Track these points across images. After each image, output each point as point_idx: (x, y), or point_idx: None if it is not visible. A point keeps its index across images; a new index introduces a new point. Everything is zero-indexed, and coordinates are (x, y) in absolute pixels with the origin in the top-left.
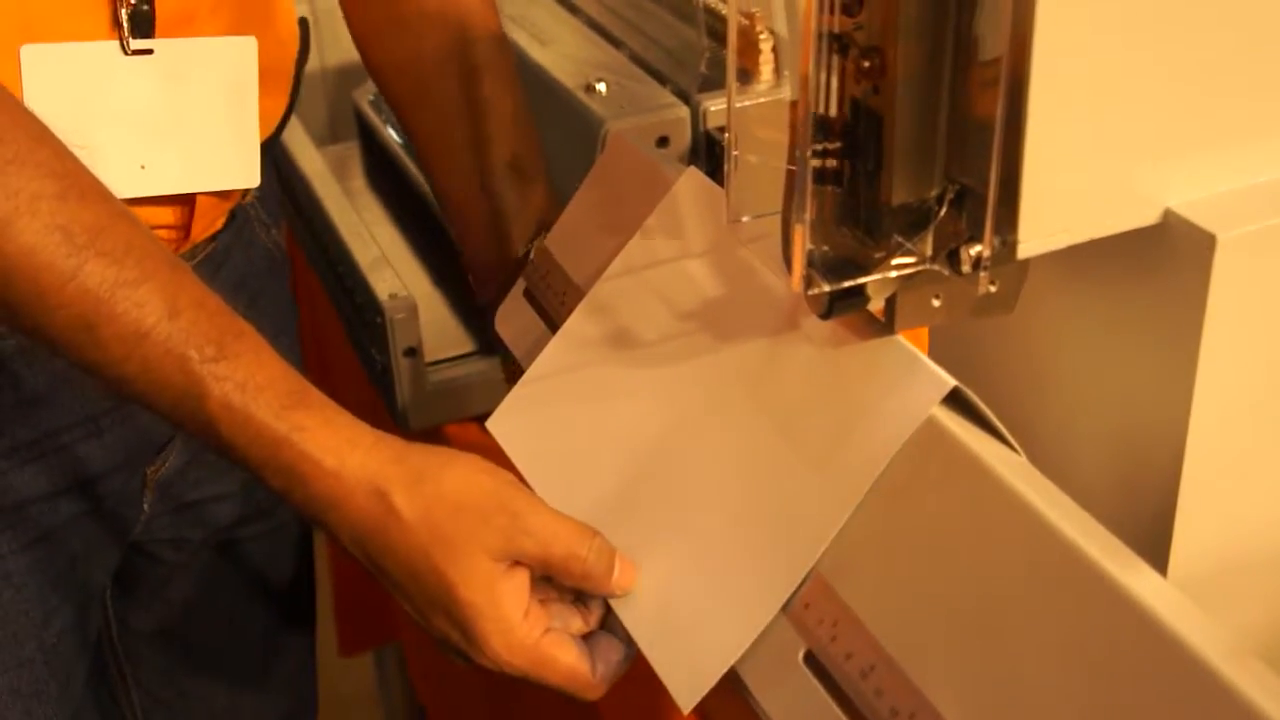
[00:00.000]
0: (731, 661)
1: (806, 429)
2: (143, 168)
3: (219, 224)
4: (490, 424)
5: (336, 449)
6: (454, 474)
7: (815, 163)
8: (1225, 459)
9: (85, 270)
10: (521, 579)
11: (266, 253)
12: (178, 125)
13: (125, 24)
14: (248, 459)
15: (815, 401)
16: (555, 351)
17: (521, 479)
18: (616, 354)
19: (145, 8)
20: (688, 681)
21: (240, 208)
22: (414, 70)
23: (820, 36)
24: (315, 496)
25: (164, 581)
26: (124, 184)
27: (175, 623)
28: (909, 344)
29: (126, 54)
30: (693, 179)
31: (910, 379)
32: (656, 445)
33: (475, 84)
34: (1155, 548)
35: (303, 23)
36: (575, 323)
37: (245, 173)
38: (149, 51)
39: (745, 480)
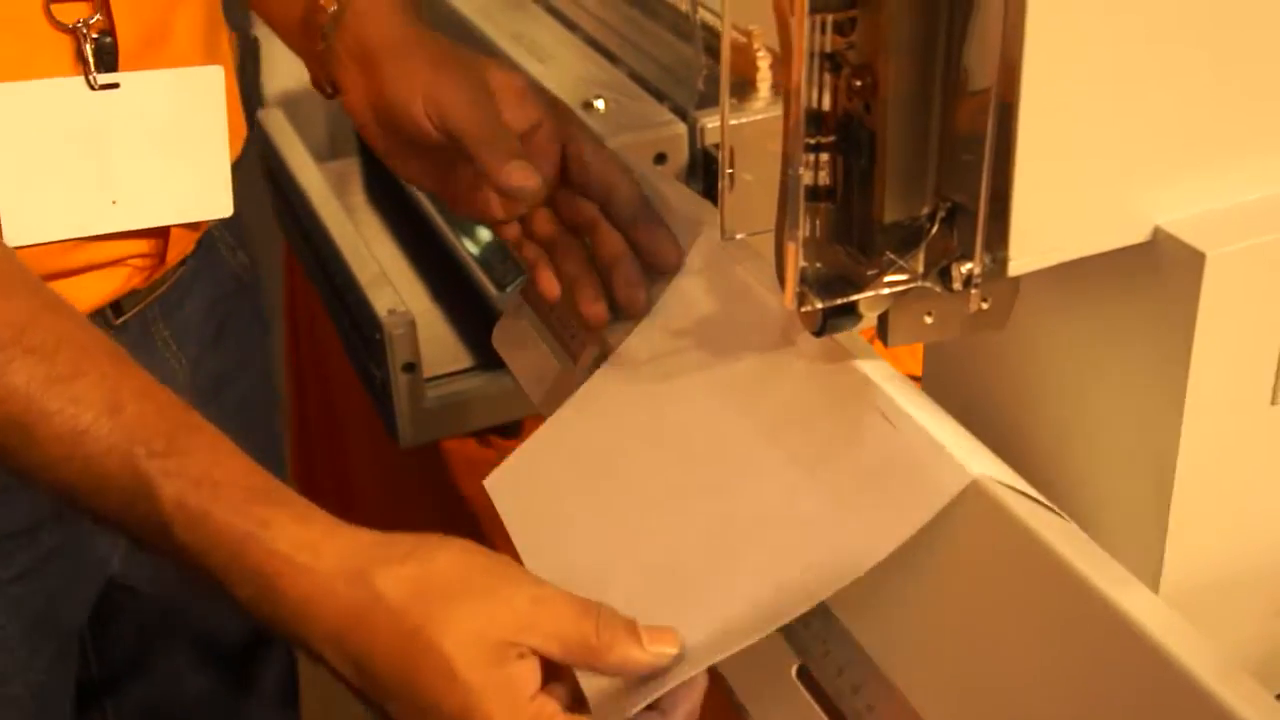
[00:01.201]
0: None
1: (823, 497)
2: (114, 203)
3: (189, 249)
4: (488, 482)
5: (310, 543)
6: (446, 554)
7: (808, 178)
8: (1216, 475)
9: (12, 368)
10: (531, 662)
11: (234, 276)
12: (147, 158)
13: (90, 58)
14: (208, 565)
15: (832, 471)
16: (563, 416)
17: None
18: (622, 423)
19: (109, 40)
20: None
21: (207, 232)
22: None
23: (811, 55)
24: (286, 599)
25: (141, 612)
26: (95, 221)
27: (154, 651)
28: (930, 431)
29: (93, 89)
30: (705, 246)
31: (932, 468)
32: (661, 506)
33: None
34: (1147, 562)
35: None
36: (588, 390)
37: (217, 202)
38: (115, 85)
39: (756, 545)
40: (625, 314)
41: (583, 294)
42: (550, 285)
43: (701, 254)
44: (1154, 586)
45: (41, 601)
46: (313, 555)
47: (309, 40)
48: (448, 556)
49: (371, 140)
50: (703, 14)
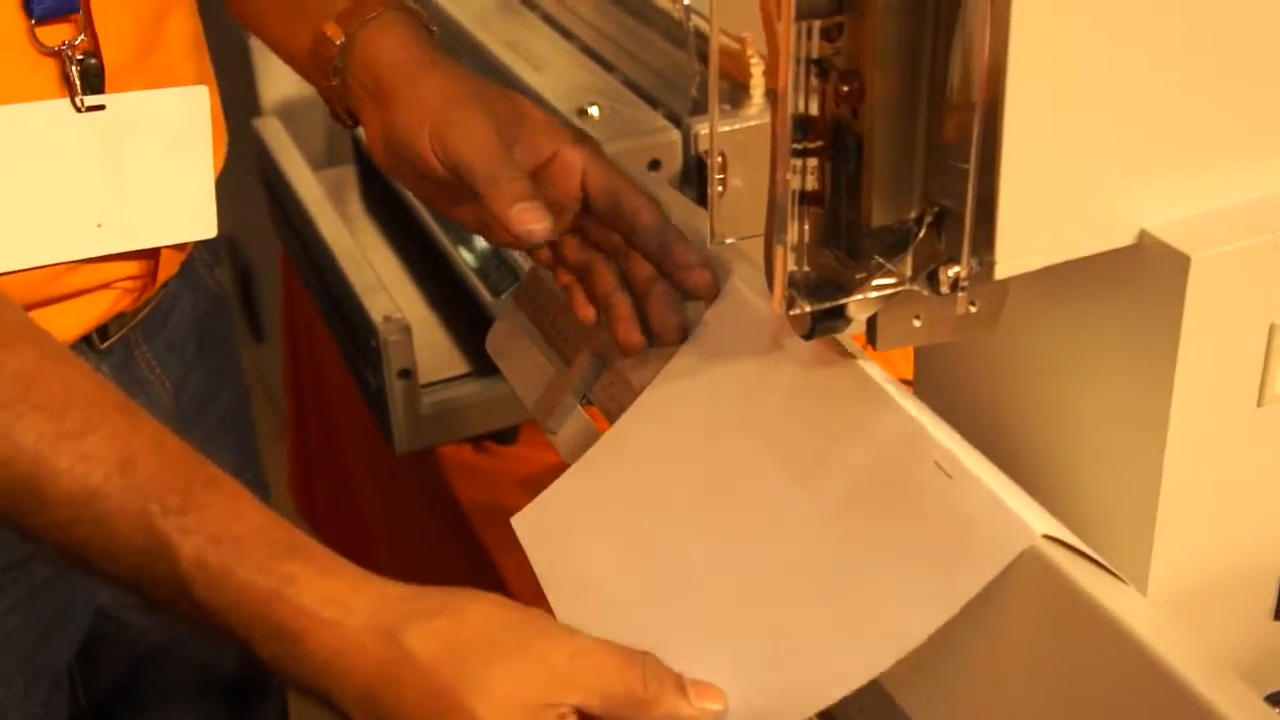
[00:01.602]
0: None
1: (876, 553)
2: (99, 226)
3: (175, 270)
4: (515, 521)
5: (337, 597)
6: (476, 609)
7: (796, 183)
8: (1203, 477)
9: (20, 426)
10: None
11: (211, 294)
12: (133, 180)
13: (76, 80)
14: (230, 624)
15: (884, 524)
16: (593, 457)
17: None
18: (657, 466)
19: (94, 61)
20: None
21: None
22: None
23: (799, 61)
24: (313, 656)
25: (131, 644)
26: (81, 244)
27: (144, 685)
28: (992, 487)
29: (79, 111)
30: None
31: (993, 525)
32: (698, 555)
33: None
34: (1135, 564)
35: None
36: (620, 429)
37: (202, 223)
38: (101, 107)
39: (807, 608)
40: (660, 340)
41: (618, 320)
42: (585, 311)
43: (729, 291)
44: (1142, 588)
45: (36, 634)
46: (340, 610)
47: (321, 75)
48: (478, 612)
49: (387, 170)
50: (696, 21)
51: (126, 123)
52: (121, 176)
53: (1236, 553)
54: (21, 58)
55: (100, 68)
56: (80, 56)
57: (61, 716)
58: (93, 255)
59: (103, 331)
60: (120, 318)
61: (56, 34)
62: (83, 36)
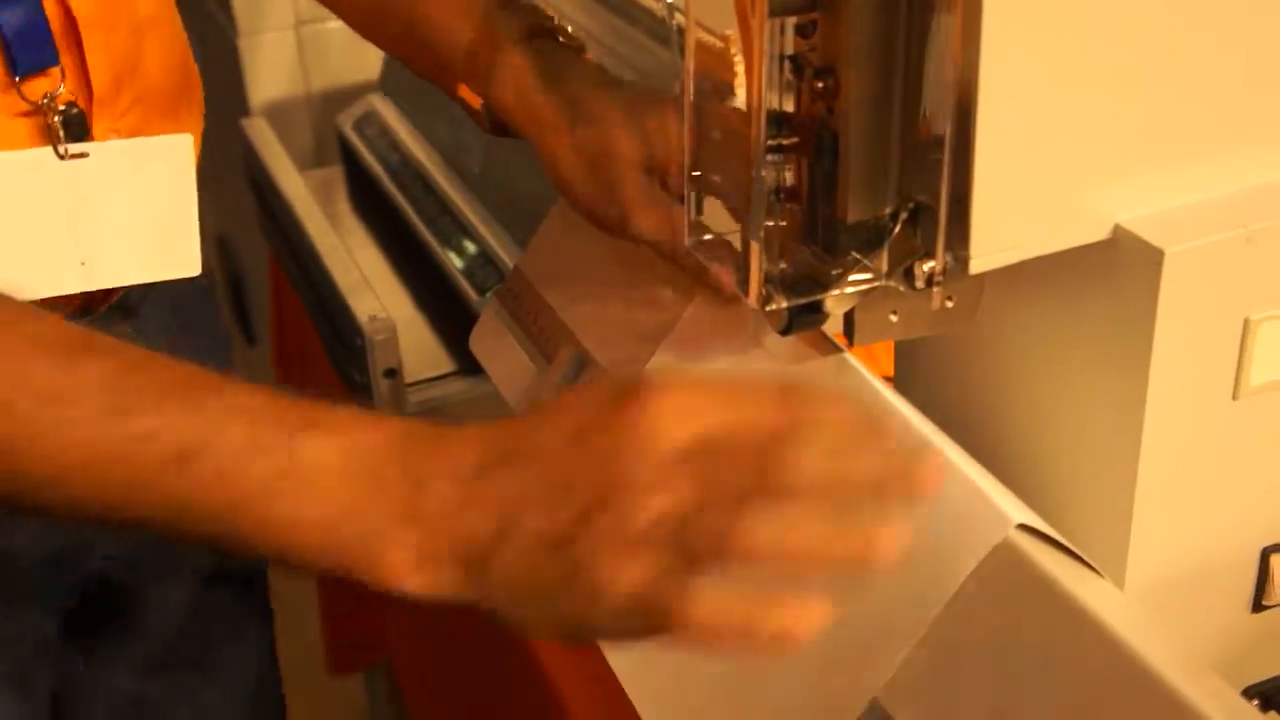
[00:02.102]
0: None
1: None
2: (83, 264)
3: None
4: None
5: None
6: None
7: (773, 179)
8: (1179, 470)
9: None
10: None
11: (191, 280)
12: (117, 222)
13: (59, 130)
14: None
15: None
16: None
17: None
18: None
19: (75, 111)
20: None
21: None
22: None
23: (775, 58)
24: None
25: (110, 695)
26: (65, 281)
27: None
28: (975, 477)
29: (62, 159)
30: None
31: (975, 516)
32: None
33: None
34: (1113, 557)
35: None
36: None
37: (187, 261)
38: (84, 155)
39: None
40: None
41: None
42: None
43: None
44: (1119, 581)
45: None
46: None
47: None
48: None
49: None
50: (680, 19)
51: (111, 170)
52: (106, 219)
53: (1213, 545)
54: (5, 110)
55: (82, 115)
56: (62, 107)
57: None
58: (76, 291)
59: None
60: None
61: (38, 88)
62: (62, 88)
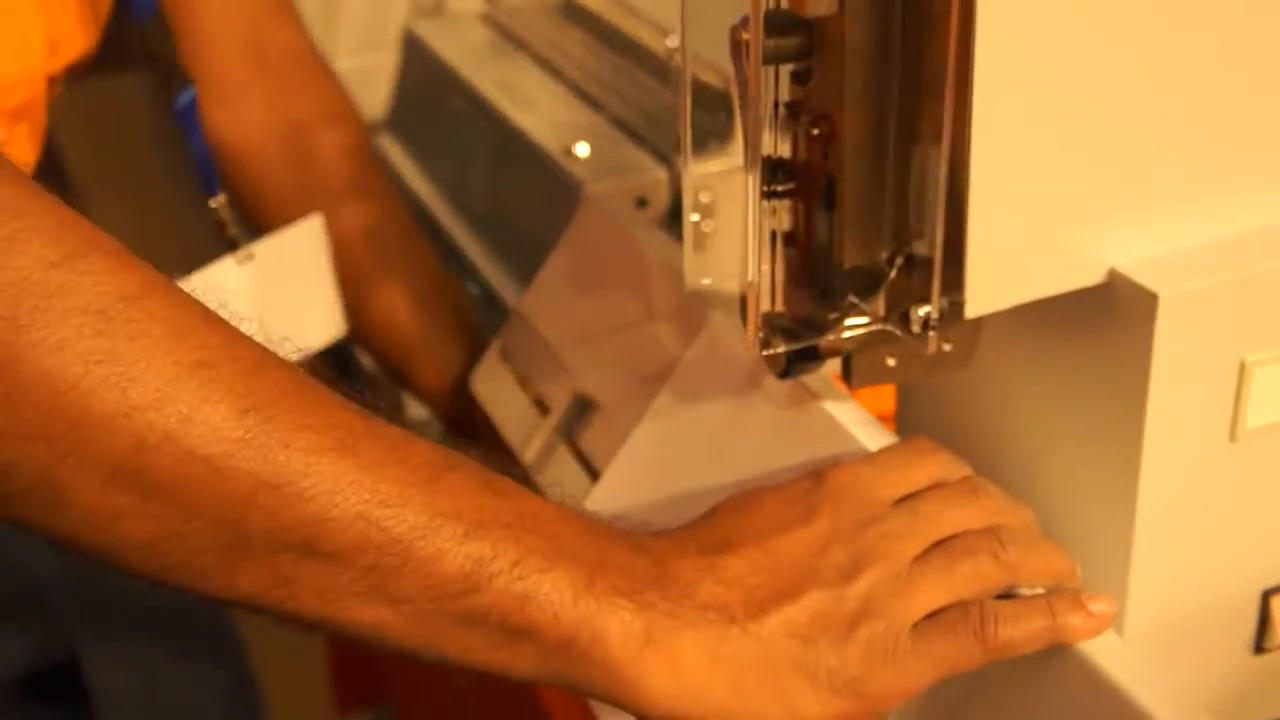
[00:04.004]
0: None
1: None
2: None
3: None
4: None
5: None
6: None
7: (772, 224)
8: (1178, 512)
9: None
10: None
11: None
12: (277, 301)
13: (236, 238)
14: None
15: None
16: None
17: None
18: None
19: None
20: None
21: None
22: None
23: (773, 105)
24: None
25: None
26: None
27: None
28: None
29: (239, 265)
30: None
31: None
32: None
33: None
34: (1112, 598)
35: None
36: (611, 476)
37: (335, 325)
38: (252, 257)
39: None
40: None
41: None
42: None
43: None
44: (1120, 624)
45: None
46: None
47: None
48: None
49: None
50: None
51: (271, 263)
52: (269, 301)
53: (1214, 587)
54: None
55: (244, 219)
56: (234, 231)
57: None
58: None
59: None
60: None
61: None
62: (223, 195)
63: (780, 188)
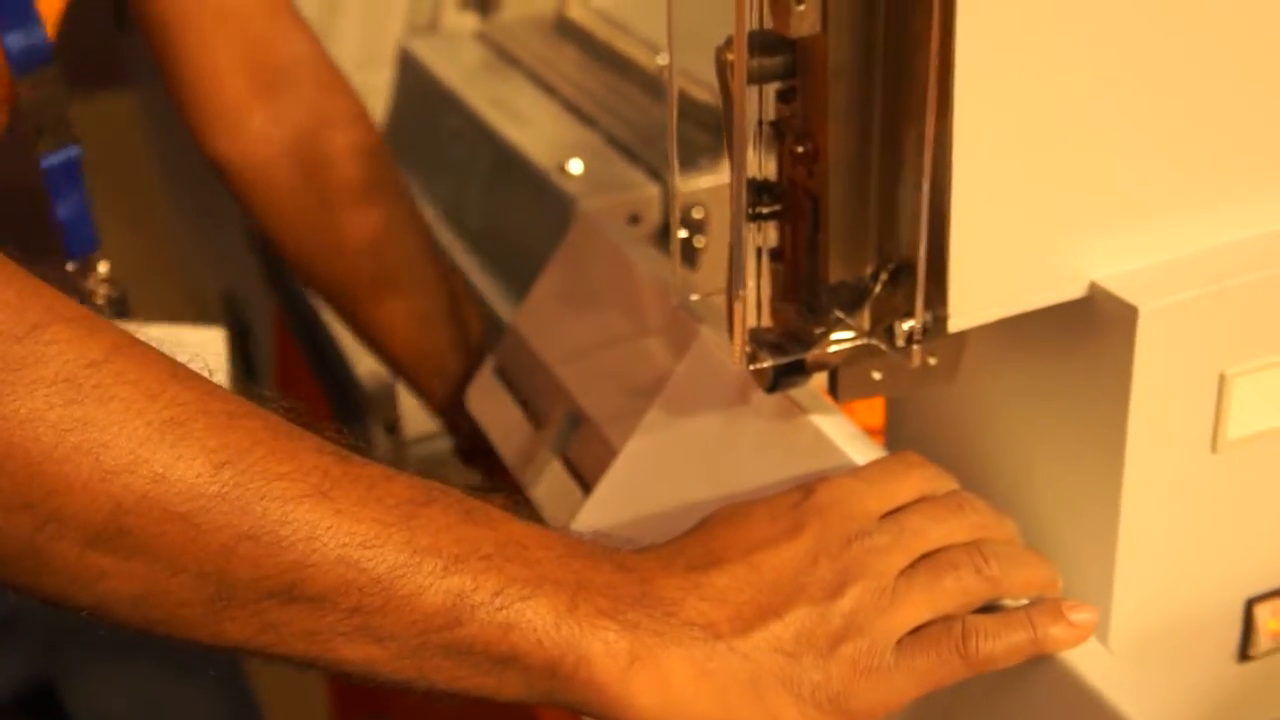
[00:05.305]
0: None
1: None
2: None
3: None
4: None
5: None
6: None
7: (759, 240)
8: (1161, 523)
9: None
10: None
11: None
12: None
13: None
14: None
15: None
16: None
17: None
18: (645, 527)
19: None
20: None
21: None
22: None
23: (758, 123)
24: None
25: None
26: None
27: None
28: None
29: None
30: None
31: None
32: None
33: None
34: (1097, 608)
35: None
36: (604, 491)
37: None
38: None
39: None
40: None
41: None
42: None
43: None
44: (1105, 634)
45: None
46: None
47: None
48: None
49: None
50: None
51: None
52: None
53: (1198, 596)
54: None
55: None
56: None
57: None
58: None
59: None
60: None
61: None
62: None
63: (766, 210)
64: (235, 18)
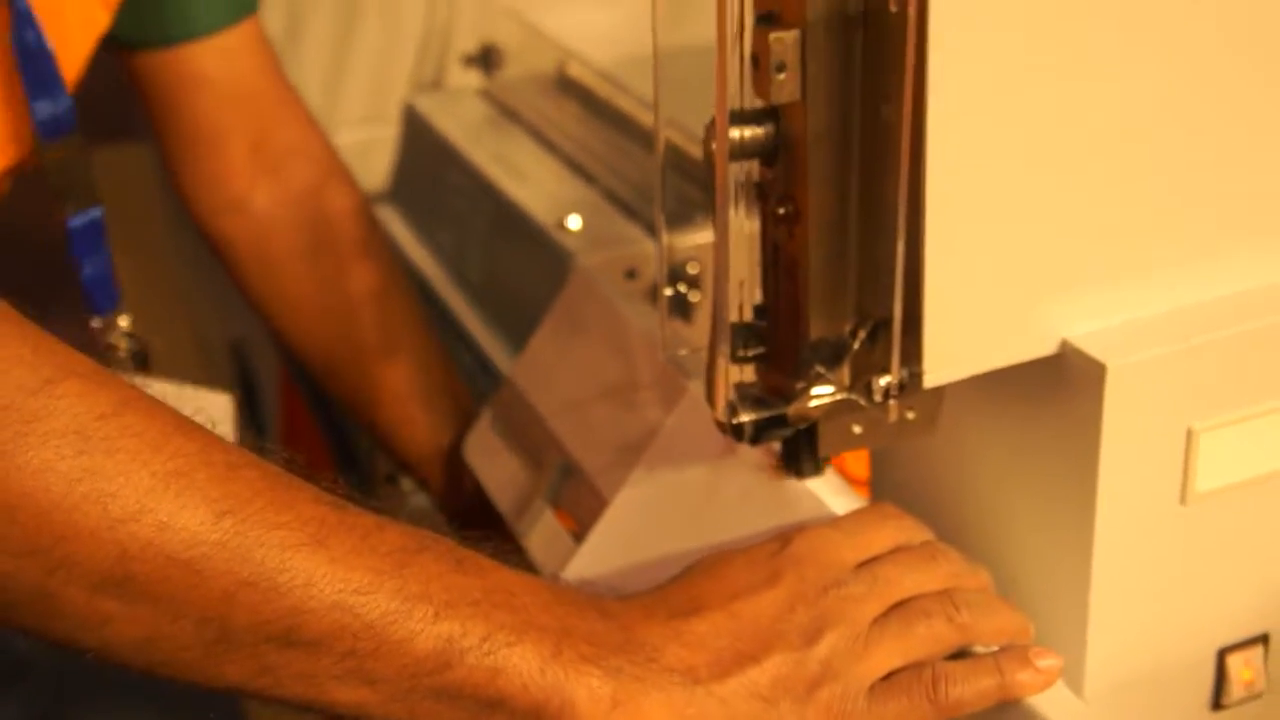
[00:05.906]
0: None
1: None
2: None
3: None
4: None
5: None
6: None
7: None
8: (1133, 574)
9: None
10: None
11: None
12: None
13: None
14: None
15: None
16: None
17: None
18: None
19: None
20: None
21: None
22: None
23: (740, 185)
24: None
25: None
26: None
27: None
28: None
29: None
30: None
31: None
32: None
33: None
34: (1071, 661)
35: None
36: (595, 541)
37: None
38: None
39: None
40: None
41: None
42: None
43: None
44: (1079, 685)
45: None
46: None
47: None
48: None
49: None
50: (669, 134)
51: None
52: None
53: (1171, 646)
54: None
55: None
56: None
57: None
58: None
59: None
60: None
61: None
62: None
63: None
64: (247, 99)
